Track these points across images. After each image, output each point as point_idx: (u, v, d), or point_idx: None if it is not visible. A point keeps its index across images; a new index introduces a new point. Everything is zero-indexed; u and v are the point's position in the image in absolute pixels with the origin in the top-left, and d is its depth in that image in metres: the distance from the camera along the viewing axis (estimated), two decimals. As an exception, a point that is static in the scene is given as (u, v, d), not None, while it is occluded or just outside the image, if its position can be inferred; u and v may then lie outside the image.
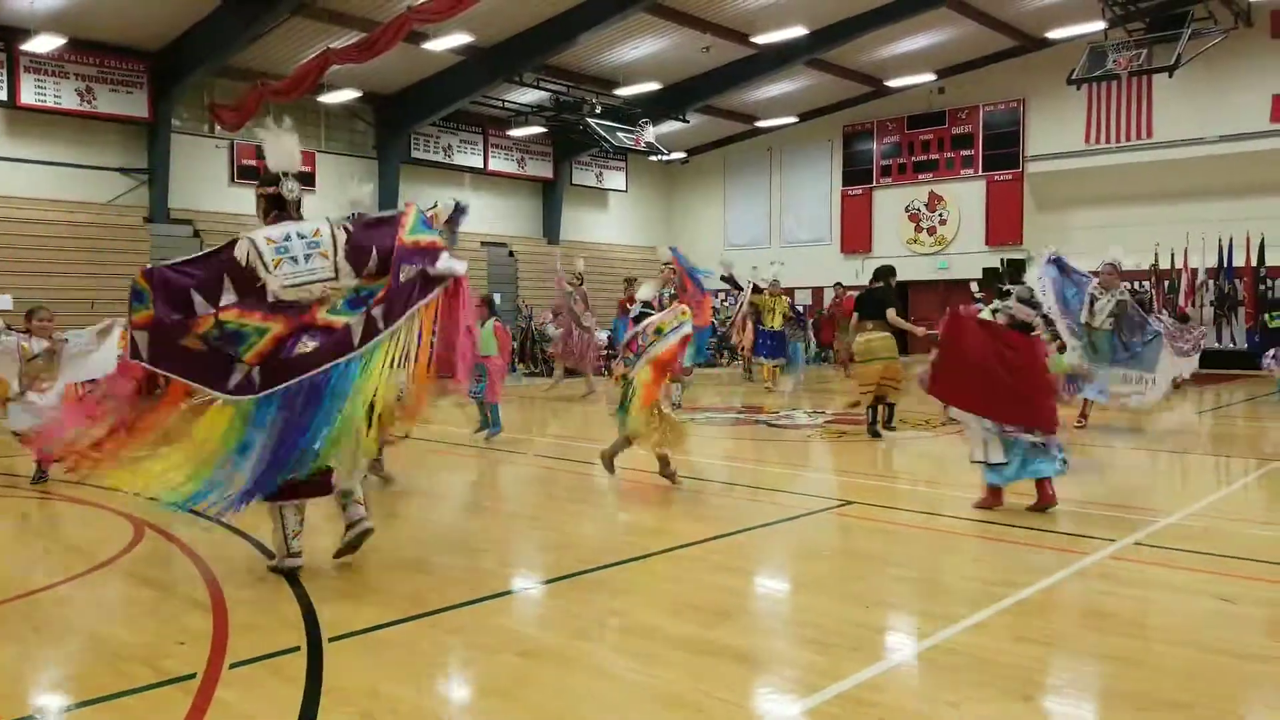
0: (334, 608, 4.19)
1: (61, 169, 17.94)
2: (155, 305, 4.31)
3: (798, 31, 19.53)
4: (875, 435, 9.55)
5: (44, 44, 16.33)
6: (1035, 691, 3.25)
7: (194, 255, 4.61)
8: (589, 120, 22.49)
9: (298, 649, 3.60)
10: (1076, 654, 3.64)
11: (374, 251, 4.54)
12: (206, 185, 19.98)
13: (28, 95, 17.05)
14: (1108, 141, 21.73)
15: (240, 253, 4.39)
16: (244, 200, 20.30)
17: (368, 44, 16.54)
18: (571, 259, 16.19)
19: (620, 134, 23.01)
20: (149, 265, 4.53)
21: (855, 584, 4.59)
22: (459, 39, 18.25)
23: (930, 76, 23.14)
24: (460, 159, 23.85)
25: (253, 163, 20.60)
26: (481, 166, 24.40)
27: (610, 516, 6.23)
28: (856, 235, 26.05)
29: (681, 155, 27.70)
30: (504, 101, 22.73)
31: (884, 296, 9.76)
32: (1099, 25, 18.34)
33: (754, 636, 3.85)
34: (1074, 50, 19.32)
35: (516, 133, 24.29)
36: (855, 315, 9.86)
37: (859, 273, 25.37)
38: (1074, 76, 18.48)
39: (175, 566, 4.97)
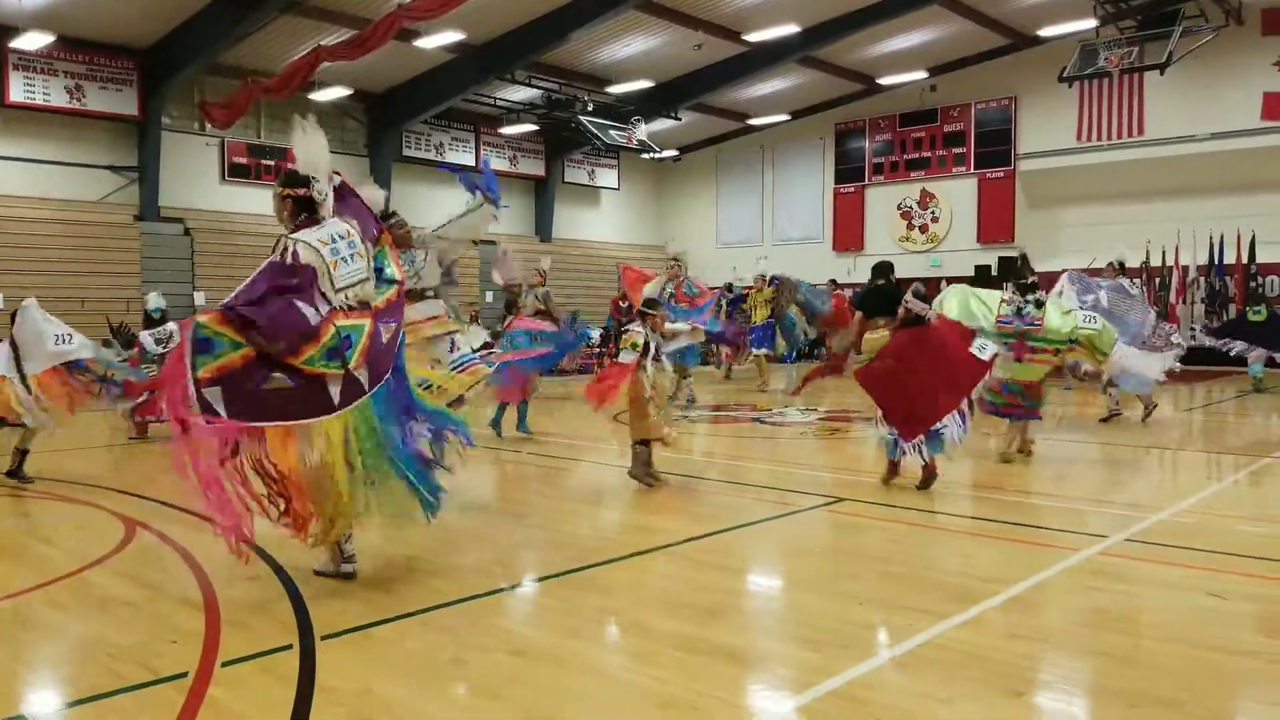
0: (326, 606, 4.18)
1: (51, 167, 17.86)
2: (259, 338, 3.93)
3: (789, 29, 19.54)
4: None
5: (33, 41, 16.24)
6: (1026, 688, 3.26)
7: (252, 276, 4.13)
8: (581, 118, 22.47)
9: (289, 647, 3.59)
10: (1068, 650, 3.65)
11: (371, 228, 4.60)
12: (197, 183, 19.91)
13: (16, 93, 16.97)
14: (1099, 139, 21.79)
15: (309, 257, 4.19)
16: (234, 198, 20.27)
17: (358, 41, 16.51)
18: (563, 254, 16.05)
19: (612, 132, 23.00)
20: (197, 313, 4.12)
21: (847, 581, 4.60)
22: (450, 36, 18.22)
23: (922, 74, 23.18)
24: (452, 157, 23.81)
25: (243, 160, 20.57)
26: (474, 165, 24.37)
27: (602, 515, 6.23)
28: (849, 233, 26.08)
29: (674, 153, 27.69)
30: (496, 99, 22.71)
31: (894, 292, 9.46)
32: (1090, 23, 18.37)
33: (746, 634, 3.86)
34: (1065, 48, 19.36)
35: (508, 130, 24.26)
36: (859, 314, 9.61)
37: (851, 270, 25.41)
38: (1065, 74, 18.52)
39: (167, 565, 4.95)
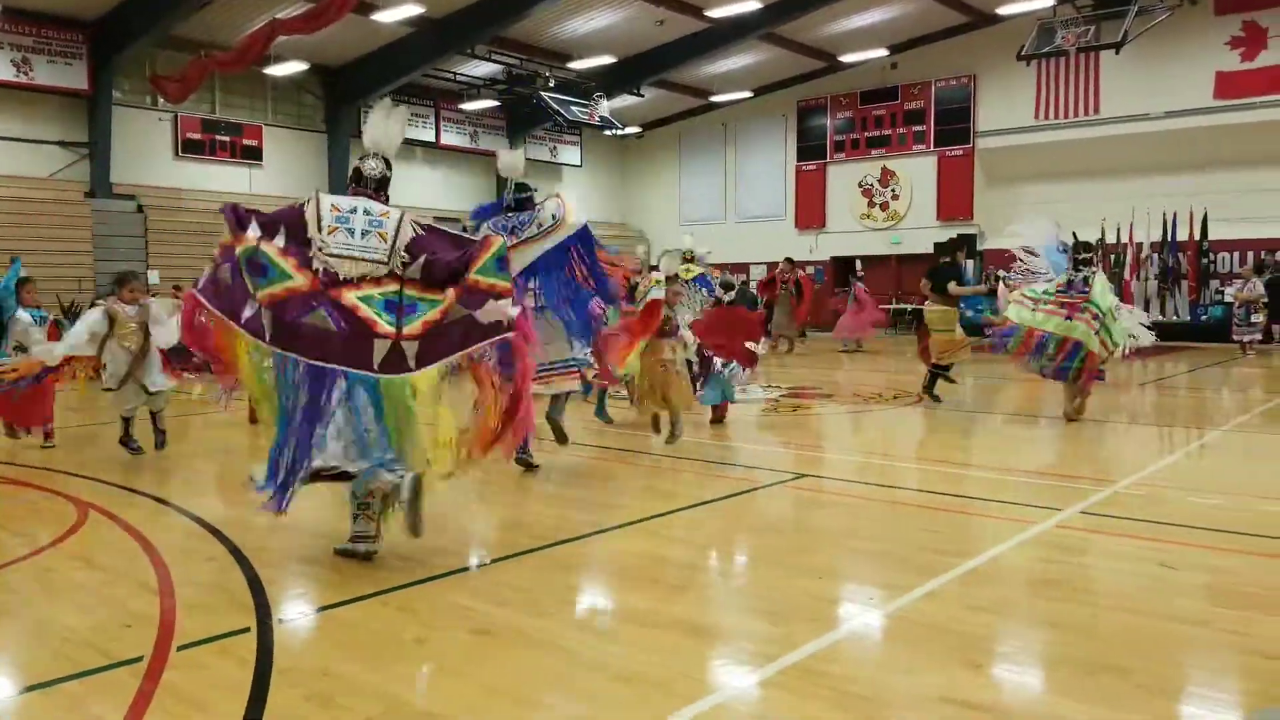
0: (284, 588, 4.15)
1: (-3, 142, 17.44)
2: (305, 275, 4.16)
3: (751, 5, 19.53)
4: (935, 400, 10.19)
5: (-24, 12, 15.82)
6: (985, 659, 3.31)
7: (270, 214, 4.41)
8: (542, 94, 22.32)
9: (248, 630, 3.55)
10: (1025, 621, 3.71)
11: (431, 262, 4.29)
12: (150, 159, 19.53)
13: (-40, 66, 16.52)
14: (1056, 117, 22.04)
15: (308, 211, 4.30)
16: (189, 174, 19.92)
17: (315, 14, 16.24)
18: None
19: (574, 108, 22.87)
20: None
21: (808, 556, 4.63)
22: (409, 9, 17.99)
23: (883, 52, 23.27)
24: (412, 133, 23.52)
25: (197, 136, 20.18)
26: (434, 140, 24.12)
27: (563, 493, 6.22)
28: (810, 210, 26.19)
29: (636, 130, 27.60)
30: (456, 74, 22.47)
31: (950, 272, 10.67)
32: (1049, 1, 18.54)
33: (708, 609, 3.88)
34: (1024, 26, 19.53)
35: (469, 106, 24.03)
36: (929, 286, 10.56)
37: (813, 248, 25.54)
38: (1023, 52, 18.69)
39: (120, 549, 4.87)
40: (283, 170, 21.50)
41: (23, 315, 7.86)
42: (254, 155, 21.18)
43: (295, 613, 3.83)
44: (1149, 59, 19.95)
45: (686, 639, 3.48)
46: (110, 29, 17.60)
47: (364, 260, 4.24)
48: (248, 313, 4.09)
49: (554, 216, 6.25)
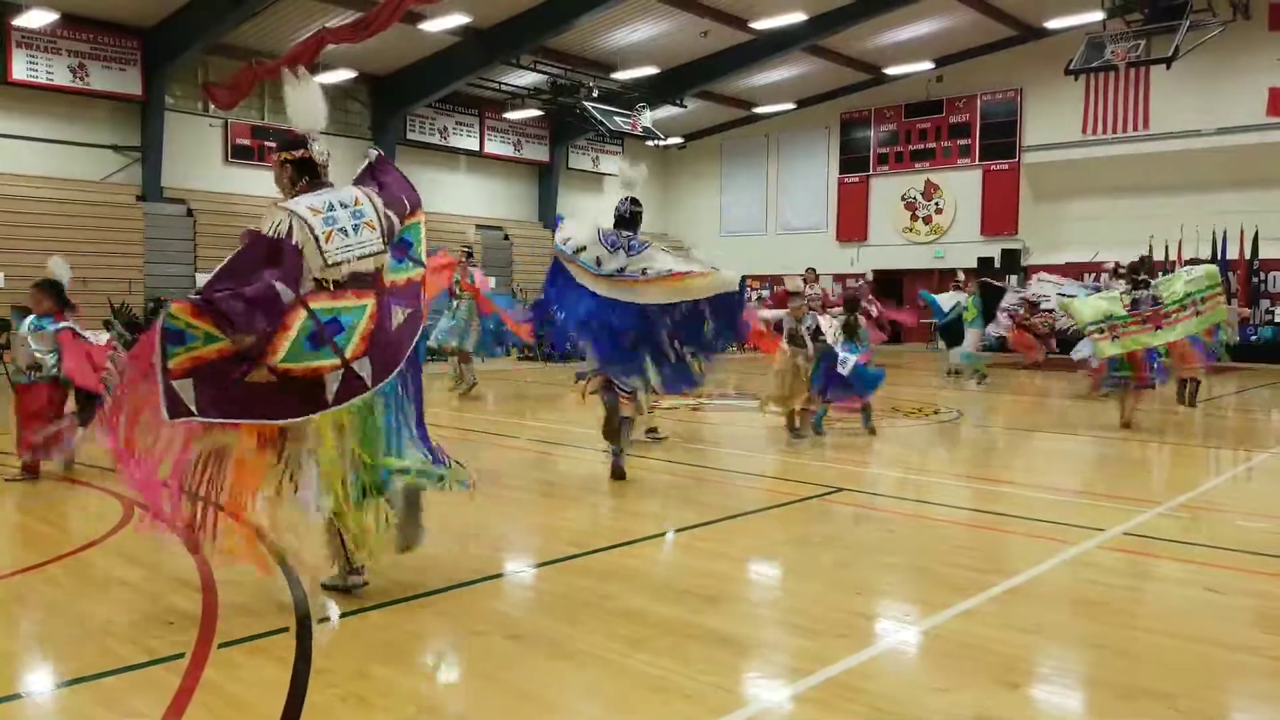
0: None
1: (53, 146, 17.86)
2: (220, 337, 3.56)
3: (797, 17, 19.49)
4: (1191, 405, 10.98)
5: (36, 19, 16.22)
6: (1022, 679, 3.26)
7: (226, 261, 3.72)
8: (586, 104, 22.44)
9: (286, 630, 3.59)
10: (1063, 642, 3.65)
11: (405, 202, 4.17)
12: (200, 164, 19.90)
13: (19, 71, 16.95)
14: (1104, 133, 21.76)
15: (287, 229, 3.73)
16: (238, 180, 20.25)
17: (363, 23, 16.46)
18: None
19: (617, 118, 22.97)
20: (169, 297, 4.01)
21: (844, 571, 4.60)
22: (455, 20, 18.18)
23: (928, 65, 23.13)
24: (456, 141, 23.79)
25: (247, 142, 20.52)
26: (478, 149, 24.34)
27: (600, 501, 6.23)
28: (852, 223, 26.06)
29: (679, 140, 27.65)
30: (500, 84, 22.66)
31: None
32: (1097, 16, 18.32)
33: (742, 622, 3.86)
34: (1072, 40, 19.31)
35: (513, 115, 24.22)
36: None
37: (854, 261, 25.40)
38: (1071, 67, 18.47)
39: (164, 547, 4.94)
40: (328, 176, 21.75)
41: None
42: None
43: (333, 614, 3.87)
44: (1200, 74, 19.63)
45: (719, 651, 3.47)
46: (164, 36, 17.98)
47: (364, 257, 3.87)
48: (334, 388, 3.74)
49: (669, 271, 6.06)
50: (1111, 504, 6.10)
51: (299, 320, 3.67)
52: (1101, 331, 9.37)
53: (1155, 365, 9.41)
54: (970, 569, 4.59)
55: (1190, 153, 20.33)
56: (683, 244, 27.62)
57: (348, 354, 3.73)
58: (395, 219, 4.07)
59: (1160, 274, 11.62)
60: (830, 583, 4.36)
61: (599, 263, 6.14)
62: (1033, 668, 3.40)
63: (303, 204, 3.86)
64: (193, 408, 3.55)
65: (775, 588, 4.58)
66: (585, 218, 6.53)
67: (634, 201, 6.41)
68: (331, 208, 3.88)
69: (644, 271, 6.05)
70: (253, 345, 3.58)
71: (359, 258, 3.84)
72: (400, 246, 4.08)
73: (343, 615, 3.82)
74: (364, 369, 3.77)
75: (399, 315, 3.94)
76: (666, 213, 29.12)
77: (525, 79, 22.57)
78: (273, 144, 21.98)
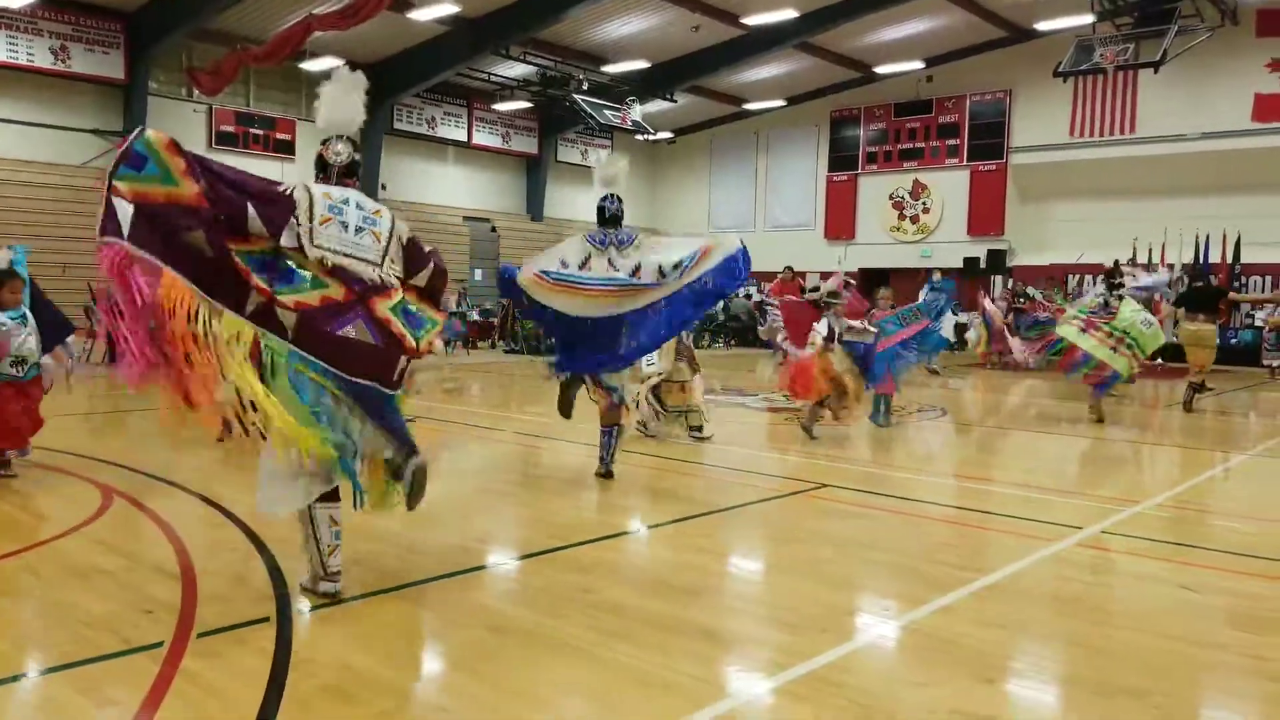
0: (304, 578, 4.18)
1: (33, 129, 17.69)
2: (190, 186, 3.38)
3: (788, 14, 19.50)
4: (1188, 409, 11.24)
5: (16, -1, 16.04)
6: (999, 674, 3.29)
7: (242, 173, 3.66)
8: (575, 96, 22.38)
9: (267, 620, 3.58)
10: (1040, 639, 3.68)
11: (441, 273, 4.07)
12: (185, 150, 19.73)
13: None
14: (1091, 135, 21.86)
15: (298, 195, 3.67)
16: (223, 167, 20.10)
17: (351, 11, 16.38)
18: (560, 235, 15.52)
19: (607, 111, 22.92)
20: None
21: (826, 566, 4.62)
22: (444, 9, 18.10)
23: (919, 64, 23.18)
24: (444, 131, 23.70)
25: (231, 128, 20.39)
26: (465, 140, 24.25)
27: (584, 495, 6.23)
28: (840, 221, 26.11)
29: (668, 135, 27.63)
30: (489, 74, 22.57)
31: (1217, 293, 12.20)
32: (1087, 18, 18.40)
33: (724, 615, 3.87)
34: (1061, 43, 19.40)
35: (501, 107, 24.14)
36: (1181, 309, 11.95)
37: (841, 259, 25.44)
38: (1060, 69, 18.55)
39: (144, 535, 4.93)
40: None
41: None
42: (286, 149, 21.36)
43: (315, 604, 3.86)
44: (1188, 79, 19.75)
45: (701, 644, 3.48)
46: (147, 20, 17.82)
47: (358, 259, 3.74)
48: (251, 307, 3.51)
49: (679, 265, 5.92)
50: (1091, 502, 6.15)
51: (261, 246, 3.54)
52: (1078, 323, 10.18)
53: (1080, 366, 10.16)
54: (950, 565, 4.62)
55: (1176, 156, 20.46)
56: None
57: (279, 296, 3.51)
58: (410, 268, 3.96)
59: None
60: (812, 578, 4.38)
61: (586, 262, 6.03)
62: (1010, 663, 3.43)
63: (320, 188, 3.81)
64: (124, 231, 3.28)
65: (757, 582, 4.59)
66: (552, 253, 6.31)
67: (618, 199, 6.33)
68: (346, 202, 3.81)
69: (636, 271, 5.97)
70: (204, 212, 3.38)
71: (344, 255, 3.70)
72: (413, 321, 3.87)
73: (324, 606, 3.81)
74: (288, 319, 3.53)
75: (358, 331, 3.66)
76: (655, 207, 29.10)
77: (514, 70, 22.49)
78: (257, 131, 21.68)
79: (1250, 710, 3.13)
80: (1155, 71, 18.13)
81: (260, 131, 20.87)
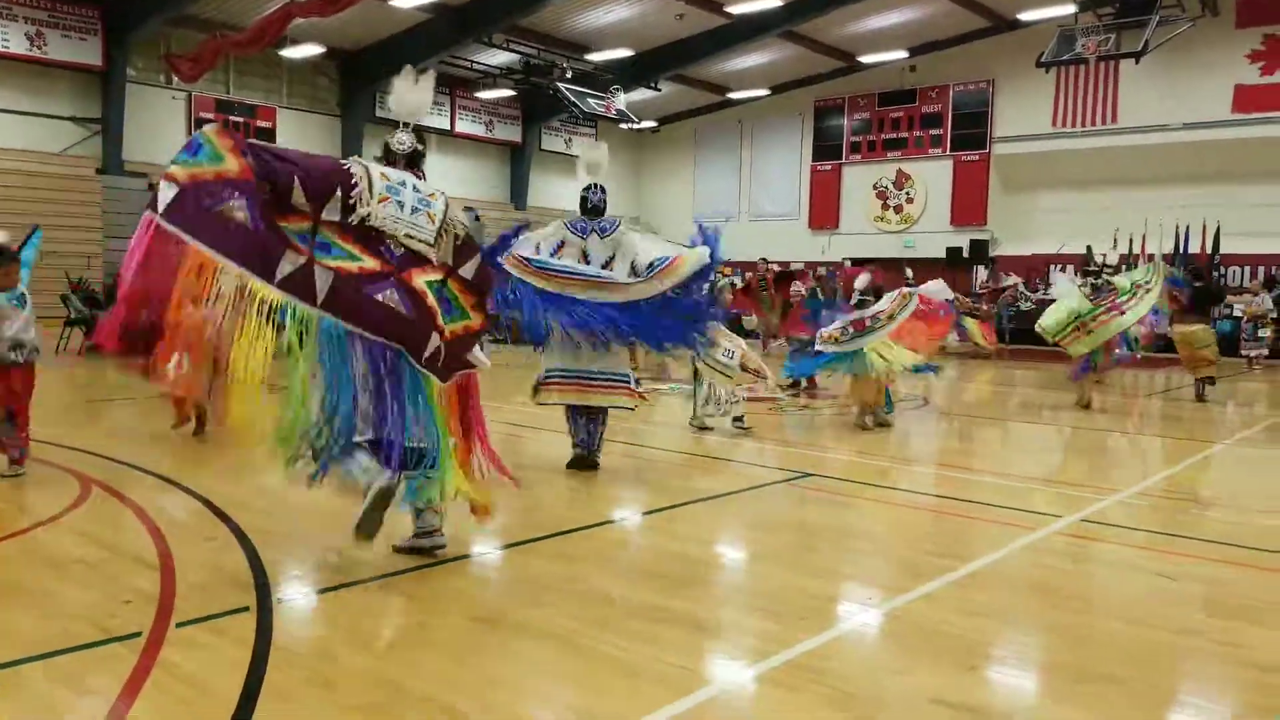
0: (285, 569, 4.16)
1: (9, 116, 17.49)
2: (237, 162, 3.48)
3: (772, 2, 19.47)
4: (1201, 399, 11.53)
5: (-7, -15, 15.83)
6: (979, 662, 3.31)
7: (291, 152, 3.83)
8: (559, 85, 22.28)
9: (247, 609, 3.56)
10: (1020, 626, 3.71)
11: (484, 269, 4.26)
12: (163, 138, 19.53)
13: (-25, 38, 16.56)
14: (1074, 125, 21.95)
15: (355, 170, 3.86)
16: (203, 155, 19.91)
17: (333, -2, 16.24)
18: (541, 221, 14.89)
19: (591, 100, 22.83)
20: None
21: (809, 554, 4.63)
22: (427, -3, 17.96)
23: (902, 54, 23.19)
24: (426, 120, 23.45)
25: (211, 116, 20.19)
26: (448, 128, 24.12)
27: (569, 484, 6.22)
28: (824, 211, 26.13)
29: (652, 124, 27.57)
30: (472, 62, 22.44)
31: (1216, 296, 12.54)
32: (1069, 9, 18.46)
33: (708, 604, 3.88)
34: (1044, 33, 19.45)
35: (485, 95, 24.01)
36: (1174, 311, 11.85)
37: (825, 249, 25.49)
38: (1043, 59, 18.60)
39: (123, 524, 4.89)
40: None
41: None
42: (267, 137, 21.17)
43: (295, 594, 3.85)
44: (1169, 70, 19.85)
45: (685, 633, 3.48)
46: (125, 5, 17.61)
47: (413, 239, 3.96)
48: (287, 268, 3.56)
49: (652, 266, 6.00)
50: (1071, 491, 6.19)
51: (302, 224, 3.68)
52: (1072, 333, 10.37)
53: (1126, 343, 10.46)
54: (932, 554, 4.64)
55: (1157, 147, 20.57)
56: (651, 226, 27.62)
57: (319, 260, 3.65)
58: (457, 259, 4.11)
59: (1124, 268, 12.37)
60: (795, 566, 4.39)
61: (560, 248, 6.09)
62: (990, 651, 3.45)
63: (378, 168, 4.02)
64: (159, 207, 3.39)
65: (740, 571, 4.60)
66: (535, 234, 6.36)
67: (601, 189, 6.34)
68: (404, 184, 4.01)
69: (610, 261, 6.03)
70: (250, 188, 3.49)
71: (403, 235, 3.92)
72: (445, 303, 4.02)
73: (305, 595, 3.79)
74: (322, 280, 3.63)
75: (390, 298, 3.79)
76: (639, 196, 29.04)
77: (498, 58, 22.37)
78: (238, 118, 21.47)
79: (1226, 696, 3.16)
80: (1136, 62, 18.21)
81: (240, 119, 20.70)
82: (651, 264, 6.00)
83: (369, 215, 3.82)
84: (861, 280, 9.14)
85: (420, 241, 3.98)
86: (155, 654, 3.14)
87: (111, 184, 18.24)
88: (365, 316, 3.76)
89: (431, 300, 3.91)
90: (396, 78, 4.41)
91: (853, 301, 8.98)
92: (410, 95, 4.38)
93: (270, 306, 3.52)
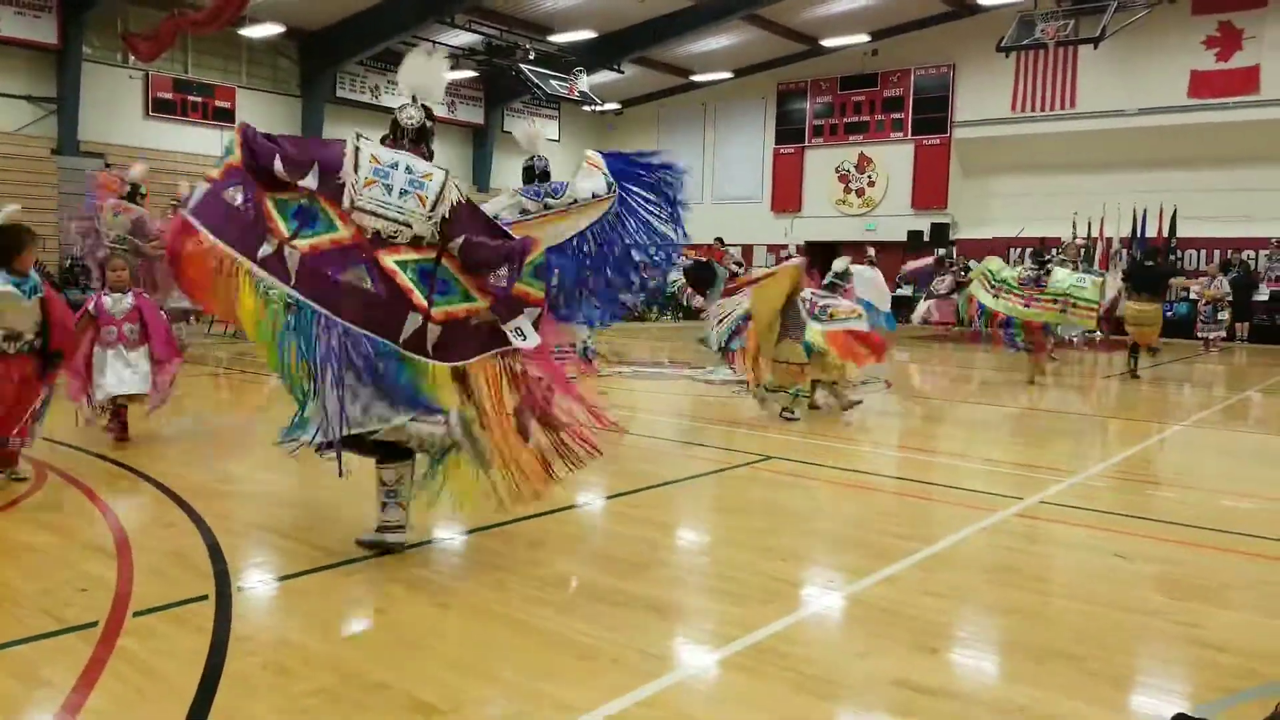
0: (244, 555, 4.12)
1: (-39, 95, 17.03)
2: (235, 151, 3.88)
3: (735, -15, 19.41)
4: (1135, 376, 11.85)
5: (-59, -40, 15.39)
6: (940, 643, 3.34)
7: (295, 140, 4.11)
8: (522, 66, 22.10)
9: (205, 597, 3.52)
10: (980, 607, 3.76)
11: (474, 244, 3.97)
12: (119, 117, 19.17)
13: (-77, 14, 16.09)
14: (1033, 110, 22.15)
15: (347, 148, 3.94)
16: (159, 134, 19.57)
17: (292, -24, 15.97)
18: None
19: (554, 82, 22.68)
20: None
21: (770, 537, 4.66)
22: (388, -25, 17.71)
23: (864, 38, 23.24)
24: (388, 100, 23.24)
25: (169, 95, 19.83)
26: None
27: (532, 468, 6.20)
28: (787, 194, 26.19)
29: (615, 106, 27.44)
30: (435, 43, 22.13)
31: (1164, 273, 12.76)
32: (1030, -6, 18.60)
33: (669, 588, 3.89)
34: (1004, 18, 19.59)
35: (447, 76, 23.75)
36: (1127, 286, 12.58)
37: (787, 232, 25.54)
38: (1003, 44, 18.75)
39: (78, 512, 4.81)
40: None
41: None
42: (226, 117, 20.82)
43: (255, 581, 3.81)
44: (1126, 55, 20.08)
45: (647, 617, 3.49)
46: (81, -17, 17.22)
47: (395, 222, 3.89)
48: (265, 250, 3.76)
49: (594, 194, 5.76)
50: (1031, 473, 6.28)
51: (297, 195, 3.88)
52: (988, 286, 11.23)
53: (1010, 332, 11.20)
54: (893, 536, 4.69)
55: (1114, 132, 20.82)
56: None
57: (289, 237, 3.81)
58: (450, 234, 3.96)
59: (1079, 257, 12.86)
60: (757, 549, 4.41)
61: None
62: (951, 632, 3.49)
63: (372, 148, 4.01)
64: (190, 204, 3.91)
65: (703, 554, 4.62)
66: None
67: (544, 159, 6.15)
68: (394, 166, 3.96)
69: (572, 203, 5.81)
70: (243, 173, 3.86)
71: (387, 219, 3.89)
72: (427, 279, 3.91)
73: (265, 582, 3.75)
74: (292, 261, 3.78)
75: (360, 278, 3.79)
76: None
77: (460, 39, 22.13)
78: (195, 98, 21.04)
79: (1179, 674, 3.22)
80: (1095, 47, 18.42)
81: (198, 99, 20.34)
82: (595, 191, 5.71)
83: (354, 199, 3.86)
84: (839, 263, 9.15)
85: (400, 224, 3.88)
86: (112, 644, 3.09)
87: (67, 164, 17.86)
88: (326, 299, 3.76)
89: (404, 280, 3.82)
90: (412, 53, 4.36)
91: (824, 281, 8.92)
92: (422, 70, 4.30)
93: (258, 282, 3.76)
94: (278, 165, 3.86)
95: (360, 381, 3.79)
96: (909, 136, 24.26)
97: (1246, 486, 6.15)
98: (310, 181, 3.87)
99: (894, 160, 24.50)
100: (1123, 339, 12.87)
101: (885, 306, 10.63)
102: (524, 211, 5.87)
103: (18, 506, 4.82)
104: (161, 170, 18.78)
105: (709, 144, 27.53)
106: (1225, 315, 16.86)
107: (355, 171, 3.87)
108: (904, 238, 23.25)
